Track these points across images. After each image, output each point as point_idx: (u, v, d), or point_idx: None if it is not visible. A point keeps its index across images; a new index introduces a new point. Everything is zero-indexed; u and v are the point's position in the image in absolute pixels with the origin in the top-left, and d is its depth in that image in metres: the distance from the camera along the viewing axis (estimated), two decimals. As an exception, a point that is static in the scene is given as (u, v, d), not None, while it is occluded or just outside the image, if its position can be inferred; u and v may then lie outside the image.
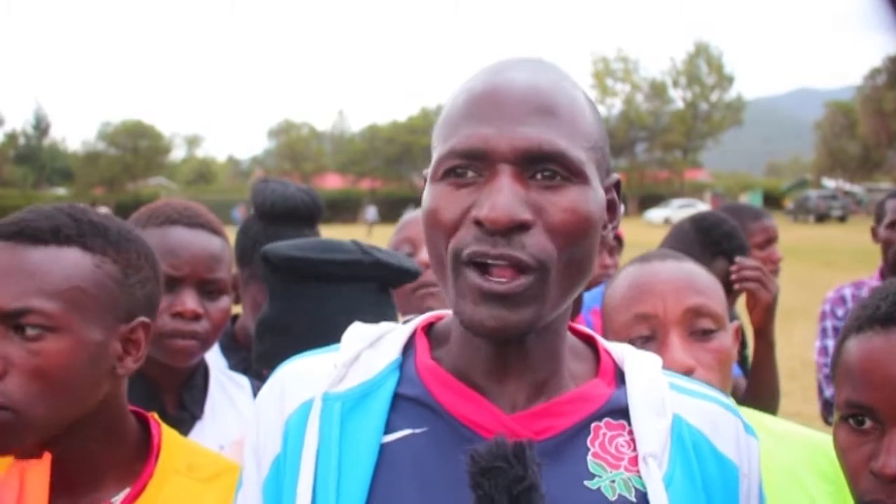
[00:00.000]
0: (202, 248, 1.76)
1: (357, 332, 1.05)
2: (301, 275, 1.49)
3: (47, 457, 1.20)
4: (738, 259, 2.45)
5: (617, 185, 1.03)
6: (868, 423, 1.12)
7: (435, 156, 0.96)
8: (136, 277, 1.28)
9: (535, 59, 1.01)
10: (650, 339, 1.50)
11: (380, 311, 1.50)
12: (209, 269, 1.76)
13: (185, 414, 1.79)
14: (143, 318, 1.29)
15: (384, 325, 1.06)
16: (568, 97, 0.95)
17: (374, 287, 1.52)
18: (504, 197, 0.88)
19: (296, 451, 0.96)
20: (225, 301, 1.81)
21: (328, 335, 1.31)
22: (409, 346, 1.03)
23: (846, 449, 1.15)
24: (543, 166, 0.91)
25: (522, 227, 0.89)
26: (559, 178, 0.91)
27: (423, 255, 1.86)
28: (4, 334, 1.17)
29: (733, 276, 2.42)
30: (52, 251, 1.21)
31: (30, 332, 1.17)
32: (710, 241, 2.50)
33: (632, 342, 1.47)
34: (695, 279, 1.53)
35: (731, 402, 1.07)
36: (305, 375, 1.02)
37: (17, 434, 1.17)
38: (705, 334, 1.49)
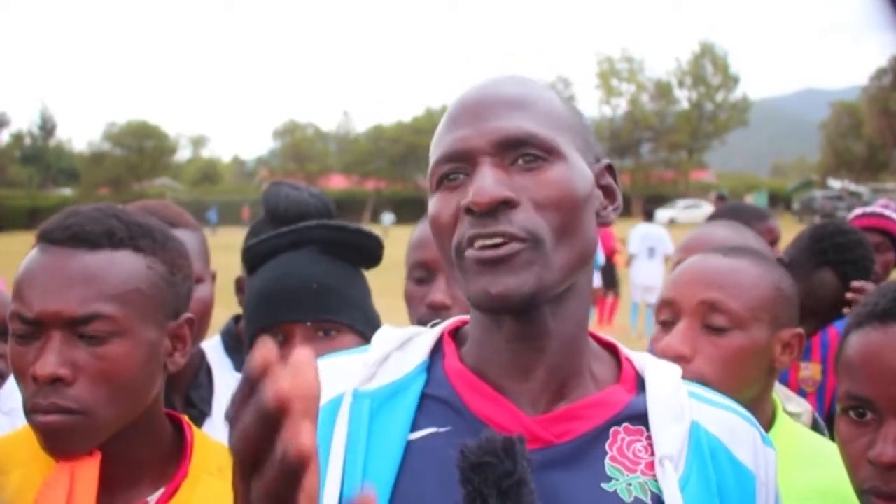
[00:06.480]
0: None
1: (386, 335, 1.09)
2: (257, 261, 1.74)
3: (97, 455, 1.22)
4: (858, 284, 2.29)
5: (610, 170, 1.09)
6: (868, 416, 1.17)
7: (429, 171, 1.05)
8: (179, 275, 1.31)
9: (510, 74, 1.08)
10: (671, 323, 1.53)
11: (323, 269, 1.69)
12: None
13: (194, 411, 1.82)
14: (188, 315, 1.33)
15: (412, 329, 1.10)
16: (537, 93, 1.03)
17: (315, 249, 1.72)
18: (485, 180, 0.95)
19: (324, 444, 0.98)
20: (202, 290, 1.83)
21: (273, 299, 1.65)
22: (436, 349, 1.07)
23: (846, 440, 1.19)
24: (520, 151, 0.98)
25: (508, 204, 0.95)
26: (538, 160, 0.98)
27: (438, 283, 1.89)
28: (69, 340, 1.19)
29: (848, 296, 2.29)
30: (107, 255, 1.23)
31: (95, 336, 1.19)
32: (818, 249, 2.38)
33: (661, 324, 1.55)
34: (723, 275, 1.52)
35: (748, 413, 1.09)
36: (336, 371, 1.04)
37: (88, 436, 1.20)
38: (717, 330, 1.49)
